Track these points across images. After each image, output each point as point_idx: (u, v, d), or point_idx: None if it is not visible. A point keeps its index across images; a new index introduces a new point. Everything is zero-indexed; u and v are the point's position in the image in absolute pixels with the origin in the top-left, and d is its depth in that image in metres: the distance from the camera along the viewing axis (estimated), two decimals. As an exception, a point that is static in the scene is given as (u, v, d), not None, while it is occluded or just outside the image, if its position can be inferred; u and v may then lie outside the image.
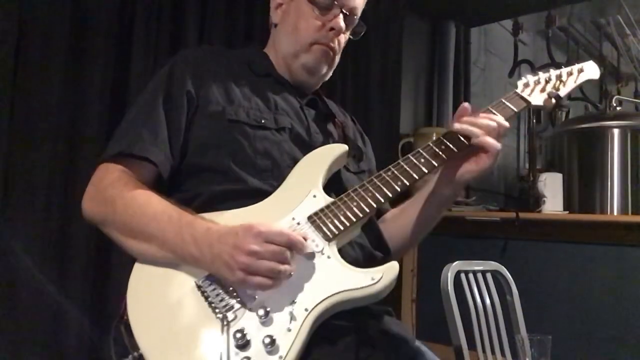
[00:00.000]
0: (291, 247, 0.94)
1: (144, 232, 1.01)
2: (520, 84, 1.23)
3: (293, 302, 0.95)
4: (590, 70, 1.25)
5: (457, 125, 1.12)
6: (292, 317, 0.93)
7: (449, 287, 1.73)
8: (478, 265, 1.89)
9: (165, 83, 1.16)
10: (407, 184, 1.09)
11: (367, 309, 1.05)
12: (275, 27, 1.30)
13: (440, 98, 3.61)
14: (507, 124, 1.13)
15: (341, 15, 1.22)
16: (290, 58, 1.24)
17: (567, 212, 2.96)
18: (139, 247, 1.02)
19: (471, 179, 1.17)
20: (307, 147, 1.16)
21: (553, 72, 1.23)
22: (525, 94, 1.21)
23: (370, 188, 1.08)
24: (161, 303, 0.98)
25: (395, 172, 1.10)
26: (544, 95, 1.21)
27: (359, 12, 1.28)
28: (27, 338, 1.78)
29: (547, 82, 1.23)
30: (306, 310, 0.94)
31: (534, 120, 3.90)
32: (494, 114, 1.15)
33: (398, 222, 1.29)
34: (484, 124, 1.11)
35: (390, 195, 1.08)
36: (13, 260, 1.75)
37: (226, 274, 0.94)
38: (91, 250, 1.94)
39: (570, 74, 1.23)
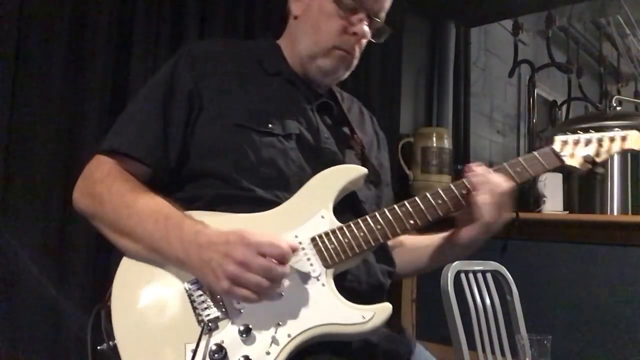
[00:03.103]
0: (283, 260, 0.91)
1: (131, 232, 0.99)
2: (558, 140, 1.16)
3: (278, 325, 0.92)
4: (634, 140, 1.16)
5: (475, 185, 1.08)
6: (274, 341, 0.91)
7: (449, 287, 1.73)
8: (478, 265, 1.89)
9: (168, 80, 1.11)
10: (420, 224, 1.05)
11: None
12: (294, 19, 1.21)
13: (440, 98, 3.61)
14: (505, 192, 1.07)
15: (365, 20, 1.15)
16: (307, 59, 1.17)
17: (567, 212, 2.96)
18: (127, 245, 1.00)
19: (467, 243, 1.12)
20: (315, 154, 1.11)
21: (594, 135, 1.16)
22: (562, 152, 1.14)
23: (381, 221, 1.03)
24: (146, 297, 0.97)
25: (410, 209, 1.05)
26: (580, 159, 1.14)
27: (383, 17, 1.20)
28: (27, 338, 1.78)
29: (586, 144, 1.15)
30: (289, 336, 0.91)
31: (534, 120, 3.91)
32: (523, 169, 1.10)
33: (413, 254, 1.25)
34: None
35: (400, 232, 1.04)
36: (13, 259, 1.75)
37: (212, 282, 0.91)
38: (91, 250, 1.94)
39: (612, 140, 1.15)
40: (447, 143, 3.29)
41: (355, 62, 1.21)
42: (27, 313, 1.78)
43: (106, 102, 2.02)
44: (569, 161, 1.14)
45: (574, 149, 1.15)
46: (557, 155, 1.14)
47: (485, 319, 1.81)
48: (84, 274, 1.93)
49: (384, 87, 3.16)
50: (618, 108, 3.19)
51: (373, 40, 1.21)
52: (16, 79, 1.79)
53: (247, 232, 0.92)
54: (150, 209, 0.99)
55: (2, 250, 1.73)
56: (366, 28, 1.15)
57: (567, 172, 3.04)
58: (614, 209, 2.97)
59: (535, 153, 1.13)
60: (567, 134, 1.17)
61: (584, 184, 3.11)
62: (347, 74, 1.23)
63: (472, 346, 1.74)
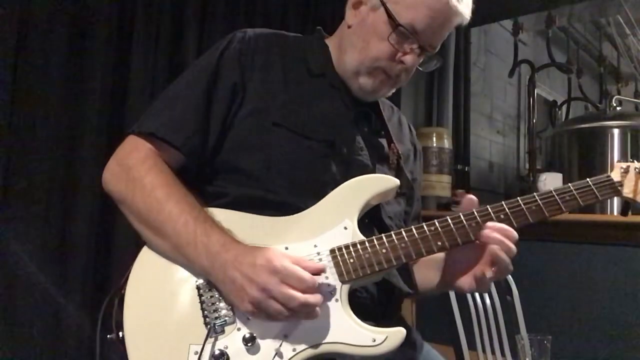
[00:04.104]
0: (307, 291, 0.88)
1: (159, 228, 0.97)
2: (618, 167, 1.05)
3: (284, 337, 0.90)
4: None
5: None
6: (278, 354, 0.89)
7: (449, 287, 1.73)
8: (478, 265, 1.88)
9: (213, 67, 1.08)
10: (448, 247, 0.98)
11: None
12: (347, 28, 1.17)
13: (440, 98, 3.61)
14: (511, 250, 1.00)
15: (417, 50, 1.09)
16: (350, 74, 1.14)
17: (567, 212, 2.95)
18: (153, 239, 0.99)
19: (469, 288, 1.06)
20: (348, 164, 1.08)
21: None
22: (619, 184, 1.04)
23: (406, 239, 0.97)
24: (158, 292, 0.96)
25: (440, 229, 0.98)
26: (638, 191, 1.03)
27: (438, 48, 1.15)
28: (27, 338, 1.78)
29: None
30: (294, 350, 0.90)
31: (534, 120, 3.90)
32: (572, 198, 1.02)
33: (427, 273, 1.19)
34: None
35: (425, 253, 0.97)
36: (13, 260, 1.75)
37: (235, 301, 0.91)
38: (91, 250, 1.94)
39: None
40: (447, 143, 3.29)
41: (401, 84, 1.17)
42: (27, 313, 1.78)
43: (106, 102, 2.02)
44: (626, 193, 1.04)
45: (636, 179, 1.04)
46: (613, 186, 1.03)
47: (485, 319, 1.81)
48: (84, 274, 1.93)
49: (384, 87, 3.16)
50: (618, 108, 3.18)
51: (420, 69, 1.15)
52: (16, 78, 1.79)
53: (275, 256, 0.89)
54: (181, 208, 0.97)
55: (2, 250, 1.73)
56: (415, 60, 1.10)
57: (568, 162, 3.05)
58: (614, 209, 2.96)
59: (589, 181, 1.03)
60: (630, 161, 1.05)
61: (624, 215, 3.11)
62: (389, 93, 1.20)
63: (472, 346, 1.74)
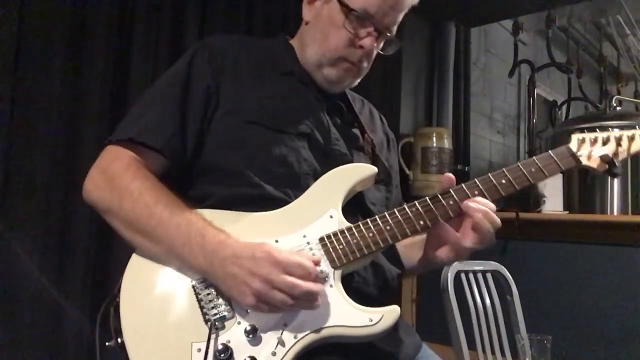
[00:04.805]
0: (309, 278, 0.90)
1: (151, 234, 0.97)
2: (575, 139, 1.11)
3: (284, 326, 0.92)
4: None
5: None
6: (280, 342, 0.91)
7: (449, 287, 1.74)
8: (478, 265, 1.89)
9: (185, 72, 1.10)
10: (430, 225, 1.03)
11: None
12: (305, 24, 1.22)
13: (440, 98, 3.61)
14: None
15: (374, 34, 1.13)
16: (314, 67, 1.17)
17: (567, 212, 2.96)
18: (145, 244, 0.99)
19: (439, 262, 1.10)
20: (326, 154, 1.11)
21: (613, 134, 1.10)
22: (578, 153, 1.09)
23: (391, 221, 1.02)
24: (154, 295, 0.96)
25: (420, 209, 1.03)
26: (598, 159, 1.09)
27: (395, 30, 1.19)
28: (27, 338, 1.78)
29: (604, 143, 1.10)
30: (295, 337, 0.91)
31: (534, 120, 3.91)
32: (537, 170, 1.06)
33: (409, 252, 1.23)
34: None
35: (410, 234, 1.02)
36: (13, 260, 1.75)
37: (237, 297, 0.91)
38: (91, 250, 1.94)
39: (632, 138, 1.09)
40: (447, 143, 3.29)
41: (364, 72, 1.20)
42: (27, 313, 1.78)
43: (106, 102, 2.02)
44: (586, 162, 1.09)
45: (591, 148, 1.09)
46: (574, 155, 1.09)
47: (485, 319, 1.81)
48: (84, 274, 1.93)
49: (384, 87, 3.16)
50: (618, 108, 3.18)
51: (381, 53, 1.20)
52: (16, 79, 1.79)
53: (273, 248, 0.91)
54: (172, 211, 0.97)
55: (2, 250, 1.73)
56: (374, 43, 1.14)
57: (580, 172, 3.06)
58: (614, 209, 2.96)
59: (551, 153, 1.09)
60: (584, 132, 1.11)
61: (584, 183, 3.11)
62: (355, 83, 1.23)
63: (472, 346, 1.74)
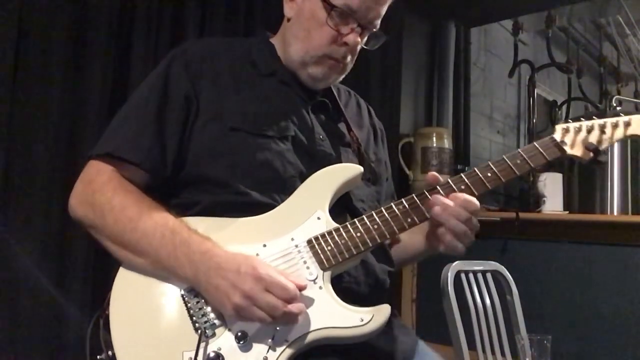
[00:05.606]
0: (290, 301, 0.89)
1: (135, 247, 0.97)
2: (559, 129, 1.11)
3: (275, 330, 0.91)
4: (639, 125, 1.11)
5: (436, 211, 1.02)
6: (271, 347, 0.90)
7: (449, 287, 1.73)
8: (478, 265, 1.89)
9: (162, 82, 1.09)
10: (418, 222, 1.03)
11: None
12: (287, 21, 1.19)
13: (440, 98, 3.61)
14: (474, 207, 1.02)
15: (357, 29, 1.11)
16: (298, 65, 1.15)
17: (567, 212, 2.96)
18: (131, 258, 0.98)
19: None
20: (311, 155, 1.10)
21: (596, 122, 1.11)
22: (562, 142, 1.10)
23: (378, 220, 1.01)
24: (143, 306, 0.96)
25: (407, 206, 1.03)
26: (582, 147, 1.09)
27: (378, 24, 1.16)
28: (27, 338, 1.78)
29: (588, 131, 1.10)
30: (286, 341, 0.91)
31: (534, 120, 3.91)
32: (522, 161, 1.06)
33: (396, 247, 1.24)
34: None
35: (398, 231, 1.02)
36: (13, 260, 1.75)
37: (219, 306, 0.92)
38: (91, 250, 1.94)
39: (615, 126, 1.10)
40: (447, 143, 3.29)
41: (349, 67, 1.19)
42: (27, 313, 1.78)
43: (106, 102, 2.02)
44: (570, 150, 1.09)
45: (575, 137, 1.10)
46: (558, 145, 1.09)
47: (485, 319, 1.81)
48: (84, 275, 1.93)
49: (384, 87, 3.16)
50: (618, 108, 3.19)
51: (365, 47, 1.18)
52: (16, 79, 1.79)
53: (260, 264, 0.91)
54: (155, 222, 0.97)
55: (3, 251, 1.73)
56: (357, 38, 1.12)
57: (568, 162, 3.06)
58: (614, 209, 2.96)
59: (536, 143, 1.09)
60: (568, 122, 1.12)
61: (584, 183, 3.11)
62: (340, 79, 1.22)
63: (472, 346, 1.74)
